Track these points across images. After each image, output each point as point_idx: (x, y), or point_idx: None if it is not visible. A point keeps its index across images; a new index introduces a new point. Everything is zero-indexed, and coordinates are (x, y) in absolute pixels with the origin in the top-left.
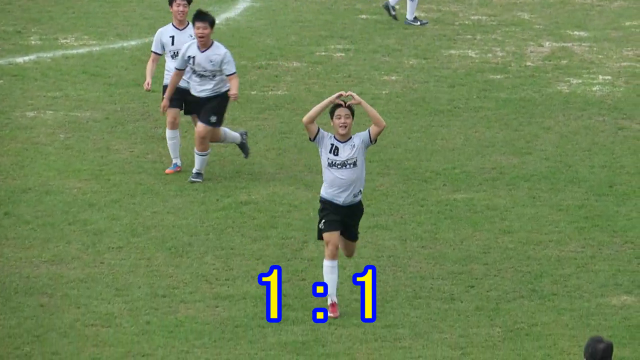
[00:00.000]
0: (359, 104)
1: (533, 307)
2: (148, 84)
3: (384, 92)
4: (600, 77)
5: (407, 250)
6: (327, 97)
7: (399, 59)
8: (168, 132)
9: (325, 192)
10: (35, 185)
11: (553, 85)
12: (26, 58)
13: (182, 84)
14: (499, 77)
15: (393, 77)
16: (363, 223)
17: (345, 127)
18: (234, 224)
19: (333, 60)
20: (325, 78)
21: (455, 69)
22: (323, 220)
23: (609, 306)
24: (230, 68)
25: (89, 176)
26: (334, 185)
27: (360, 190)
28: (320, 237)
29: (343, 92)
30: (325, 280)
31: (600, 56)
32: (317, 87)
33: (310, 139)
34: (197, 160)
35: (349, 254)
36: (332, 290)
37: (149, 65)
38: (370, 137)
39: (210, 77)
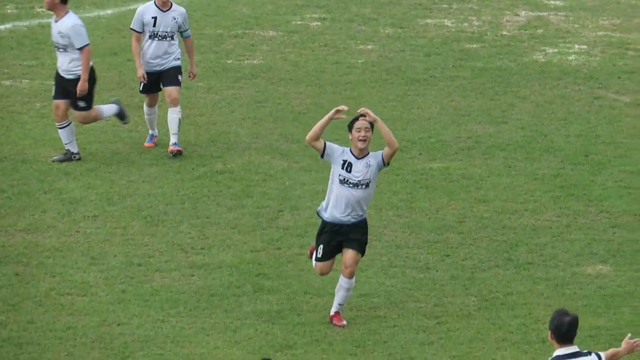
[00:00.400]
0: (375, 122)
1: (508, 276)
2: (143, 77)
3: (359, 61)
4: (576, 46)
5: (383, 219)
6: (304, 67)
7: (375, 28)
8: (146, 109)
9: (328, 212)
10: (10, 154)
11: (529, 54)
12: (2, 27)
13: (149, 68)
14: (475, 46)
15: (369, 46)
16: None
17: (365, 141)
18: (209, 192)
19: (309, 29)
20: (301, 47)
21: (431, 38)
22: (322, 247)
23: (584, 275)
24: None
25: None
26: (339, 205)
27: (365, 210)
28: (313, 257)
29: (342, 107)
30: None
31: (576, 25)
32: (293, 56)
33: (320, 156)
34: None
35: (350, 273)
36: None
37: (135, 48)
38: (383, 160)
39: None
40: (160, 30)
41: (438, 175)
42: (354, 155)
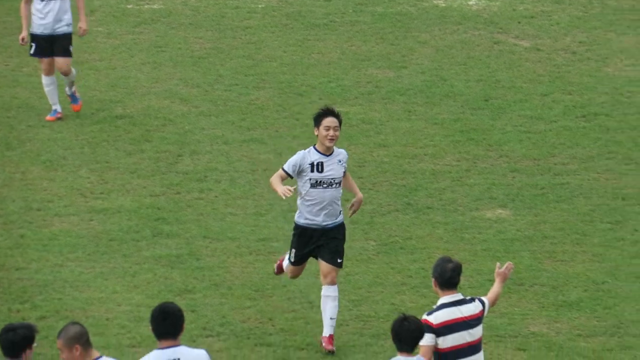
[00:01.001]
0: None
1: (408, 220)
2: (23, 39)
3: (260, 5)
4: None
5: (282, 163)
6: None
7: None
8: (44, 79)
9: (303, 218)
10: None
11: None
12: None
13: (40, 30)
14: None
15: None
16: (238, 136)
17: (333, 140)
18: (108, 137)
19: None
20: None
21: None
22: (294, 252)
23: (484, 219)
24: None
25: None
26: (313, 208)
27: (341, 210)
28: (277, 271)
29: (288, 190)
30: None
31: None
32: (194, 0)
33: (290, 178)
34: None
35: (331, 281)
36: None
37: (23, 10)
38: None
39: None
40: None
41: None
42: (321, 152)
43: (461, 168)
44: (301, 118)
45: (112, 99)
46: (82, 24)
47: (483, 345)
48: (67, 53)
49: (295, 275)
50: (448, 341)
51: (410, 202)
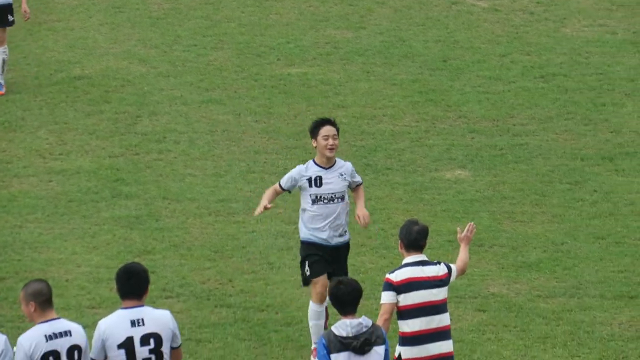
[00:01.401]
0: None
1: (367, 181)
2: None
3: None
4: None
5: (241, 124)
6: None
7: None
8: None
9: (308, 233)
10: None
11: None
12: None
13: None
14: None
15: None
16: (196, 97)
17: (333, 149)
18: (67, 98)
19: None
20: None
21: None
22: (307, 262)
23: (443, 180)
24: None
25: None
26: (317, 222)
27: (346, 230)
28: (306, 283)
29: (261, 210)
30: (310, 326)
31: None
32: None
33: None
34: None
35: None
36: (314, 338)
37: None
38: (350, 184)
39: None
40: None
41: (296, 80)
42: (319, 165)
43: (420, 129)
44: (260, 79)
45: (71, 60)
46: (24, 6)
47: None
48: (5, 22)
49: (321, 293)
50: (409, 299)
51: (369, 163)
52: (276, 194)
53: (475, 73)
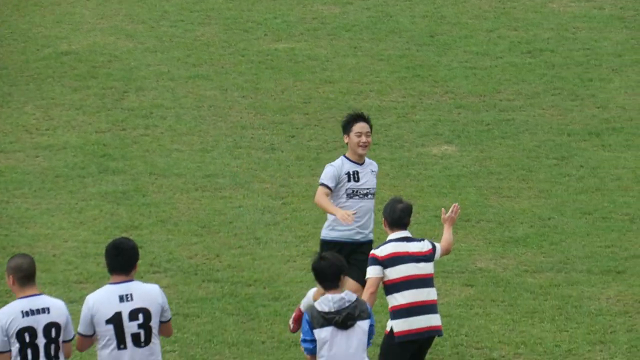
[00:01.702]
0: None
1: None
2: None
3: None
4: None
5: (228, 99)
6: None
7: None
8: None
9: (334, 229)
10: None
11: None
12: None
13: None
14: None
15: None
16: (183, 73)
17: (366, 147)
18: (54, 74)
19: None
20: None
21: None
22: None
23: (430, 155)
24: None
25: None
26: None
27: (372, 227)
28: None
29: (349, 216)
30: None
31: None
32: None
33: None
34: None
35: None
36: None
37: None
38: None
39: None
40: None
41: (283, 56)
42: (353, 162)
43: (407, 104)
44: (247, 54)
45: (58, 35)
46: None
47: None
48: None
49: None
50: (395, 272)
51: None
52: (328, 197)
53: (462, 48)
